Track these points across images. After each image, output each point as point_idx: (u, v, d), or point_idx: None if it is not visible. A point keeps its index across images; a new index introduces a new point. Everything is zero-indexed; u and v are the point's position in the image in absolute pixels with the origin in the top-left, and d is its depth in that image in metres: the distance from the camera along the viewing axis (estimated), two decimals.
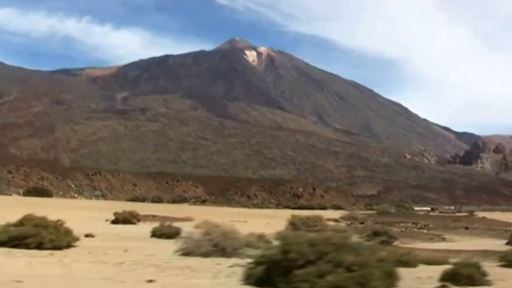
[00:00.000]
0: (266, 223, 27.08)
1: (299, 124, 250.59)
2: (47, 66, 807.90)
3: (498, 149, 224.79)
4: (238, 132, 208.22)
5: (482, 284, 7.88)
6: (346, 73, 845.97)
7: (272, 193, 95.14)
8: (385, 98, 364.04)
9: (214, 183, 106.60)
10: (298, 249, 6.38)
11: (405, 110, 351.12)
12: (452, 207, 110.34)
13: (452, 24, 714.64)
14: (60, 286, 6.54)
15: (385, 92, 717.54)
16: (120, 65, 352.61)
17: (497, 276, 8.53)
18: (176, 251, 10.40)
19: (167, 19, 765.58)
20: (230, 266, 8.73)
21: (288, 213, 45.23)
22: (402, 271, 7.13)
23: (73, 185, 77.77)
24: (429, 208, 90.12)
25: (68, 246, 10.88)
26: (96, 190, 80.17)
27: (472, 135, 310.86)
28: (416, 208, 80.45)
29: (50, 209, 19.71)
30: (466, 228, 29.59)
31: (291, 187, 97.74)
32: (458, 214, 61.83)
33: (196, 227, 11.36)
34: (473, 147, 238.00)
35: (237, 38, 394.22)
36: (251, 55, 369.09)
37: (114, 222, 22.25)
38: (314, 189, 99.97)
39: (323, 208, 63.40)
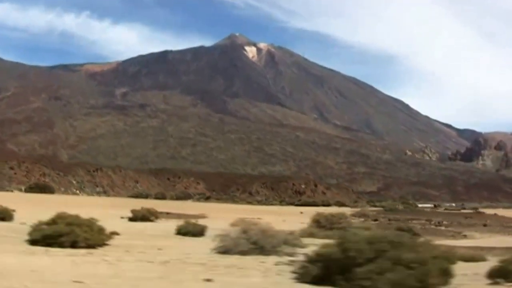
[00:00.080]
0: (281, 220, 26.50)
1: (299, 121, 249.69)
2: (45, 62, 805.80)
3: (499, 146, 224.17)
4: (237, 129, 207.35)
5: None
6: (346, 69, 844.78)
7: (274, 190, 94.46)
8: (386, 94, 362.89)
9: (216, 180, 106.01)
10: (357, 247, 6.41)
11: (406, 106, 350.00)
12: (454, 204, 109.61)
13: (453, 21, 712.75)
14: (123, 287, 6.46)
15: (385, 89, 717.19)
16: (119, 61, 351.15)
17: None
18: (213, 249, 10.33)
19: (167, 15, 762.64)
20: (276, 264, 8.63)
21: (294, 210, 44.96)
22: None
23: (74, 182, 77.10)
24: (431, 205, 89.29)
25: (102, 244, 10.71)
26: (97, 186, 79.54)
27: (473, 132, 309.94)
28: (419, 205, 79.68)
29: (57, 206, 18.86)
30: (484, 225, 28.79)
31: (293, 184, 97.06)
32: (463, 211, 61.00)
33: (232, 225, 11.18)
34: (474, 144, 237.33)
35: (237, 34, 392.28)
36: (251, 51, 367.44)
37: (132, 219, 21.64)
38: (315, 186, 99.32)
39: (327, 205, 62.55)
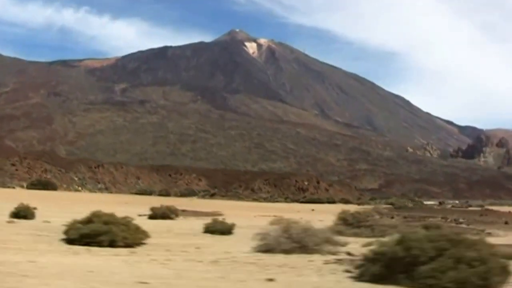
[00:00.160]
0: (298, 218, 25.46)
1: (300, 117, 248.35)
2: (44, 57, 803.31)
3: (501, 143, 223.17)
4: (238, 125, 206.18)
5: None
6: (347, 65, 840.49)
7: (277, 187, 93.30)
8: (387, 91, 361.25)
9: (218, 176, 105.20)
10: (420, 246, 6.49)
11: (407, 103, 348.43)
12: (457, 201, 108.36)
13: (455, 17, 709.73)
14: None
15: (386, 85, 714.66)
16: (118, 57, 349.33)
17: None
18: (254, 248, 10.29)
19: (166, 10, 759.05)
20: (325, 263, 8.58)
21: (304, 207, 44.07)
22: None
23: (76, 178, 76.30)
24: (436, 202, 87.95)
25: (139, 243, 10.52)
26: (99, 183, 78.74)
27: (474, 128, 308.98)
28: (424, 202, 78.31)
29: (66, 203, 17.86)
30: (506, 222, 27.46)
31: (296, 181, 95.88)
32: (471, 208, 59.61)
33: (271, 223, 11.09)
34: (476, 141, 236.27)
35: (237, 30, 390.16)
36: (251, 47, 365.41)
37: (152, 217, 21.11)
38: (318, 183, 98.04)
39: (332, 202, 61.32)
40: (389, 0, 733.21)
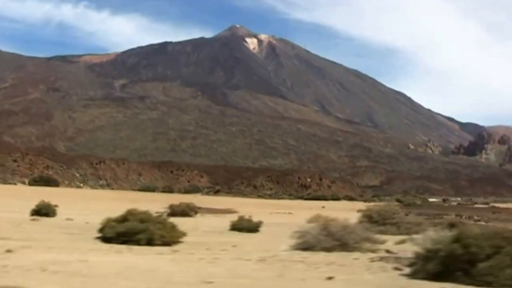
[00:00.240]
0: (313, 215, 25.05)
1: (300, 113, 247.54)
2: (43, 53, 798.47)
3: (503, 140, 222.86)
4: (238, 121, 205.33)
5: None
6: (348, 61, 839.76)
7: (279, 184, 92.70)
8: (388, 87, 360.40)
9: (220, 173, 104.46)
10: (478, 243, 6.51)
11: (409, 99, 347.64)
12: (459, 198, 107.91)
13: (457, 13, 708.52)
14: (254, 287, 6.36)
15: (387, 82, 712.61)
16: (118, 52, 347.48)
17: None
18: (292, 246, 10.13)
19: (166, 5, 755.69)
20: (371, 261, 8.51)
21: (313, 204, 43.51)
22: None
23: (77, 174, 75.51)
24: (439, 199, 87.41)
25: (176, 242, 10.36)
26: (101, 179, 77.98)
27: (476, 125, 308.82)
28: (429, 200, 77.75)
29: (72, 200, 17.30)
30: None
31: (298, 178, 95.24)
32: (478, 205, 59.07)
33: (309, 221, 11.10)
34: (477, 138, 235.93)
35: (238, 26, 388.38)
36: (251, 43, 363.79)
37: (171, 214, 20.60)
38: (320, 179, 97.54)
39: (336, 199, 60.81)
40: None
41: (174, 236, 10.26)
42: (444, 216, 30.25)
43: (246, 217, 23.78)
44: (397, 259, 8.49)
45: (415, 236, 14.44)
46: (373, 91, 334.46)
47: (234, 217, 22.03)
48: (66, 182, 68.99)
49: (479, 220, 26.47)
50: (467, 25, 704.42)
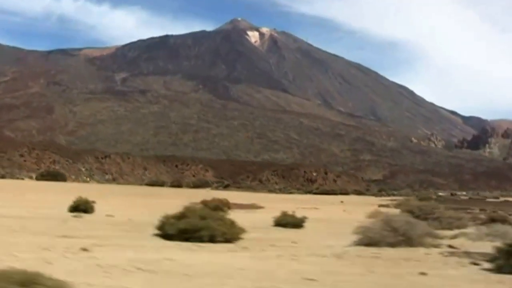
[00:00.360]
0: (342, 210, 26.15)
1: (302, 107, 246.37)
2: (43, 46, 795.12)
3: (506, 134, 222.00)
4: (240, 115, 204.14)
5: None
6: (350, 54, 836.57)
7: (285, 178, 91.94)
8: (390, 80, 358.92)
9: (225, 167, 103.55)
10: None
11: (411, 93, 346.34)
12: (464, 192, 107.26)
13: (459, 6, 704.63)
14: (360, 284, 6.17)
15: (390, 75, 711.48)
16: (118, 45, 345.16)
17: None
18: (355, 242, 10.02)
19: None
20: (444, 256, 8.48)
21: (328, 199, 42.78)
22: None
23: (83, 169, 74.50)
24: (447, 194, 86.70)
25: (237, 238, 10.22)
26: (106, 174, 77.03)
27: (479, 119, 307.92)
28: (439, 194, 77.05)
29: (93, 197, 16.62)
30: None
31: (304, 172, 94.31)
32: (488, 200, 58.28)
33: (369, 216, 11.29)
34: (481, 131, 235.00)
35: (239, 19, 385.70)
36: (253, 36, 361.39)
37: None
38: (326, 174, 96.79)
39: (345, 193, 60.15)
40: None
41: (234, 232, 10.11)
42: (467, 210, 29.41)
43: (269, 212, 22.96)
44: (467, 254, 8.53)
45: (465, 230, 14.09)
46: (375, 84, 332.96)
47: (264, 213, 21.26)
48: (73, 176, 68.29)
49: (510, 215, 25.78)
50: (469, 18, 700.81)
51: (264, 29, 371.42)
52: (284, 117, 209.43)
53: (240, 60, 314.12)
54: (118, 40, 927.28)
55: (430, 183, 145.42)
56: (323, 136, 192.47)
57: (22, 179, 54.33)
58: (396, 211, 16.84)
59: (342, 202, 36.73)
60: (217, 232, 9.72)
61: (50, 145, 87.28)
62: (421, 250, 9.19)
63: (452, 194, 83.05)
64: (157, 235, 9.90)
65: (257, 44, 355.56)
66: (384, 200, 47.26)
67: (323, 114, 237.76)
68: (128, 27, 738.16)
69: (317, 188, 69.17)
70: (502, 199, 62.45)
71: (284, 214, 15.11)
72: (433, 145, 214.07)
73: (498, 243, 7.87)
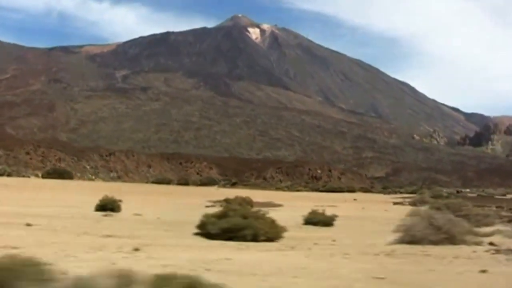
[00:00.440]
0: (361, 208, 26.18)
1: (304, 104, 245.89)
2: (44, 43, 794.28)
3: (509, 131, 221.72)
4: (242, 112, 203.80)
5: None
6: (351, 51, 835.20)
7: (289, 175, 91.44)
8: (392, 77, 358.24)
9: (229, 165, 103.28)
10: None
11: (413, 90, 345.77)
12: (467, 190, 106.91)
13: (462, 1, 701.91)
14: (442, 284, 6.03)
15: (391, 72, 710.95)
16: (119, 42, 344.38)
17: None
18: (397, 240, 9.99)
19: None
20: (492, 254, 8.47)
21: (341, 197, 42.36)
22: None
23: (88, 167, 74.00)
24: (453, 191, 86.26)
25: (278, 237, 10.19)
26: (111, 171, 76.51)
27: (481, 116, 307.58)
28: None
29: (108, 194, 16.34)
30: None
31: (309, 169, 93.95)
32: (497, 197, 57.83)
33: (409, 215, 11.05)
34: (483, 128, 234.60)
35: (240, 15, 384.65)
36: (254, 33, 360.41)
37: None
38: (330, 171, 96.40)
39: (352, 190, 59.67)
40: None
41: (276, 231, 10.09)
42: (484, 208, 29.02)
43: (287, 210, 22.55)
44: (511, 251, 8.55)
45: (501, 228, 14.01)
46: (377, 81, 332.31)
47: (286, 210, 20.83)
48: (79, 174, 67.90)
49: None
50: (472, 13, 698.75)
51: (265, 26, 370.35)
52: (286, 114, 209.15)
53: (241, 57, 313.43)
54: (119, 37, 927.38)
55: (433, 180, 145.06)
56: (325, 134, 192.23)
57: (28, 177, 53.91)
58: (419, 208, 16.57)
59: (355, 199, 36.34)
60: (260, 231, 9.72)
61: (55, 143, 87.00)
62: (465, 248, 9.20)
63: (458, 192, 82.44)
64: (197, 234, 9.81)
65: (258, 40, 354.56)
66: (394, 197, 46.83)
67: (324, 112, 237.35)
68: (129, 24, 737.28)
69: (323, 186, 68.64)
70: (509, 196, 61.95)
71: (314, 212, 14.97)
72: (435, 142, 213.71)
73: None
